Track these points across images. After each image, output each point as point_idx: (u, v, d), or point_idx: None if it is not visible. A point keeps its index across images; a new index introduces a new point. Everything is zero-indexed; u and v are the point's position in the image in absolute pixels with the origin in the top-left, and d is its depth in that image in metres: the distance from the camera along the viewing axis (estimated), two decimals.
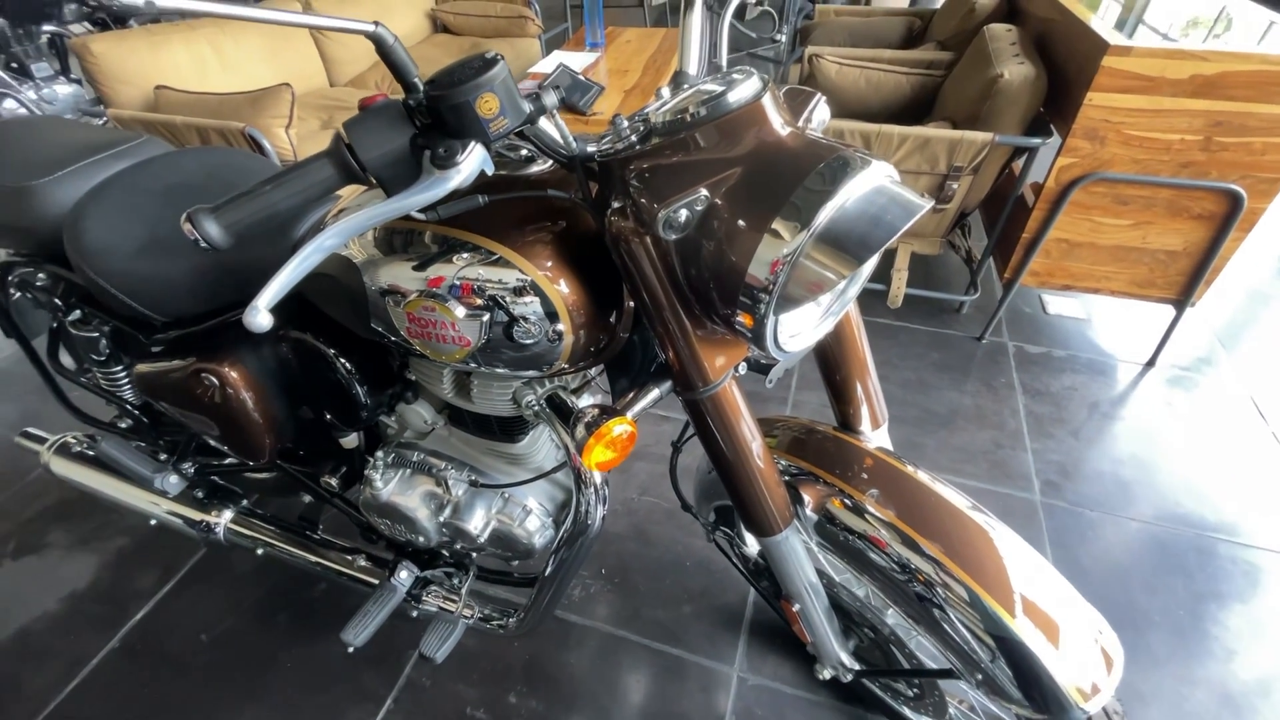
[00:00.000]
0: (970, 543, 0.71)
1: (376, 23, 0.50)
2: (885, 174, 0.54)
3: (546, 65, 2.44)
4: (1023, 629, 0.68)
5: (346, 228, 0.52)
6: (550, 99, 0.54)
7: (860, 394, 0.84)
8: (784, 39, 4.65)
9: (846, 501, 0.77)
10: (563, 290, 0.65)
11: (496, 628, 1.06)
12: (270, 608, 1.41)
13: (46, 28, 2.73)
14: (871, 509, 0.75)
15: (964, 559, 0.70)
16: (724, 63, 0.70)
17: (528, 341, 0.67)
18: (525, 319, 0.66)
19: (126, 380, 1.13)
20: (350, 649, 1.00)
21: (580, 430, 0.64)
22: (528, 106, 0.53)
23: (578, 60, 2.57)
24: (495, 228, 0.64)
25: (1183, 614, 1.37)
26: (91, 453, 1.28)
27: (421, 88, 0.51)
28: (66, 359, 1.18)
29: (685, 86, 0.63)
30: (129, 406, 1.15)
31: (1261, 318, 2.23)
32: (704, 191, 0.55)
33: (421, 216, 0.58)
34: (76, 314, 1.00)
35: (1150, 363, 2.01)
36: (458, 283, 0.66)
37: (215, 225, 0.50)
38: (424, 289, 0.66)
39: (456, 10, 3.44)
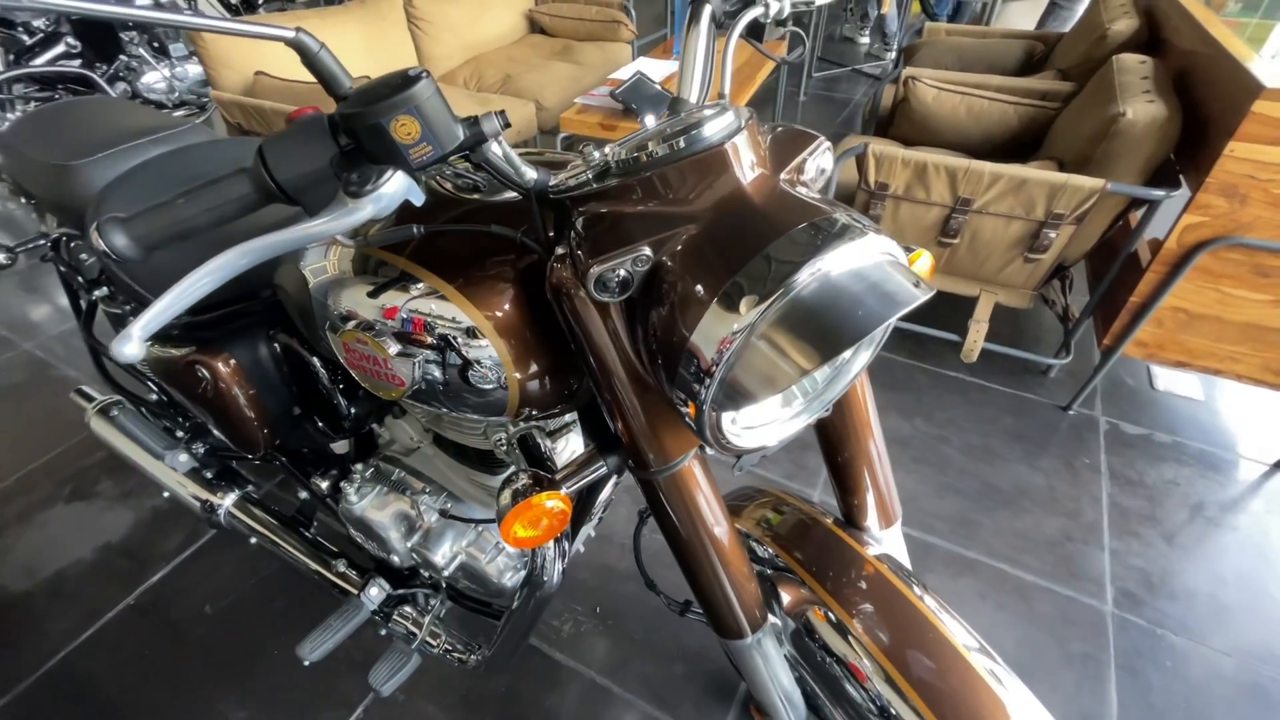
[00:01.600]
0: (970, 702, 0.57)
1: (298, 29, 0.44)
2: (881, 249, 0.43)
3: (624, 72, 2.38)
4: None
5: (238, 256, 0.47)
6: (491, 125, 0.46)
7: (867, 483, 0.72)
8: (891, 56, 4.40)
9: (830, 615, 0.65)
10: (510, 337, 0.57)
11: (456, 661, 1.01)
12: (271, 591, 1.43)
13: None
14: (856, 632, 0.63)
15: None
16: (726, 90, 0.60)
17: (483, 386, 0.60)
18: (470, 364, 0.59)
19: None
20: (305, 663, 0.97)
21: (505, 497, 0.56)
22: (461, 132, 0.46)
23: (659, 69, 2.50)
24: (438, 262, 0.58)
25: None
26: None
27: None
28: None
29: (681, 115, 0.54)
30: (150, 383, 1.19)
31: None
32: (646, 250, 0.46)
33: (348, 241, 0.52)
34: (103, 291, 1.04)
35: (1279, 465, 1.69)
36: (408, 316, 0.59)
37: (124, 237, 0.47)
38: (360, 321, 0.60)
39: (553, 12, 3.46)
